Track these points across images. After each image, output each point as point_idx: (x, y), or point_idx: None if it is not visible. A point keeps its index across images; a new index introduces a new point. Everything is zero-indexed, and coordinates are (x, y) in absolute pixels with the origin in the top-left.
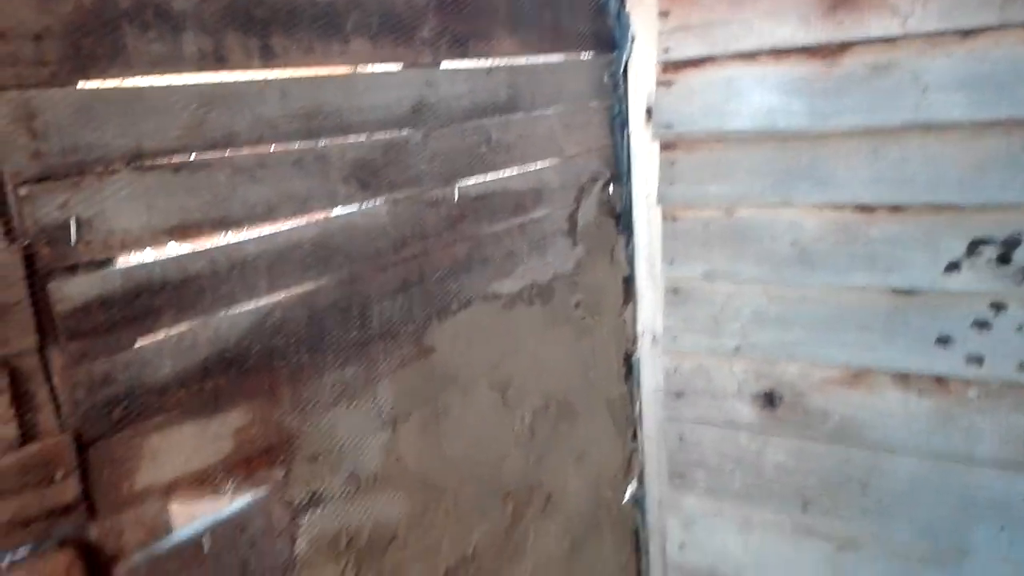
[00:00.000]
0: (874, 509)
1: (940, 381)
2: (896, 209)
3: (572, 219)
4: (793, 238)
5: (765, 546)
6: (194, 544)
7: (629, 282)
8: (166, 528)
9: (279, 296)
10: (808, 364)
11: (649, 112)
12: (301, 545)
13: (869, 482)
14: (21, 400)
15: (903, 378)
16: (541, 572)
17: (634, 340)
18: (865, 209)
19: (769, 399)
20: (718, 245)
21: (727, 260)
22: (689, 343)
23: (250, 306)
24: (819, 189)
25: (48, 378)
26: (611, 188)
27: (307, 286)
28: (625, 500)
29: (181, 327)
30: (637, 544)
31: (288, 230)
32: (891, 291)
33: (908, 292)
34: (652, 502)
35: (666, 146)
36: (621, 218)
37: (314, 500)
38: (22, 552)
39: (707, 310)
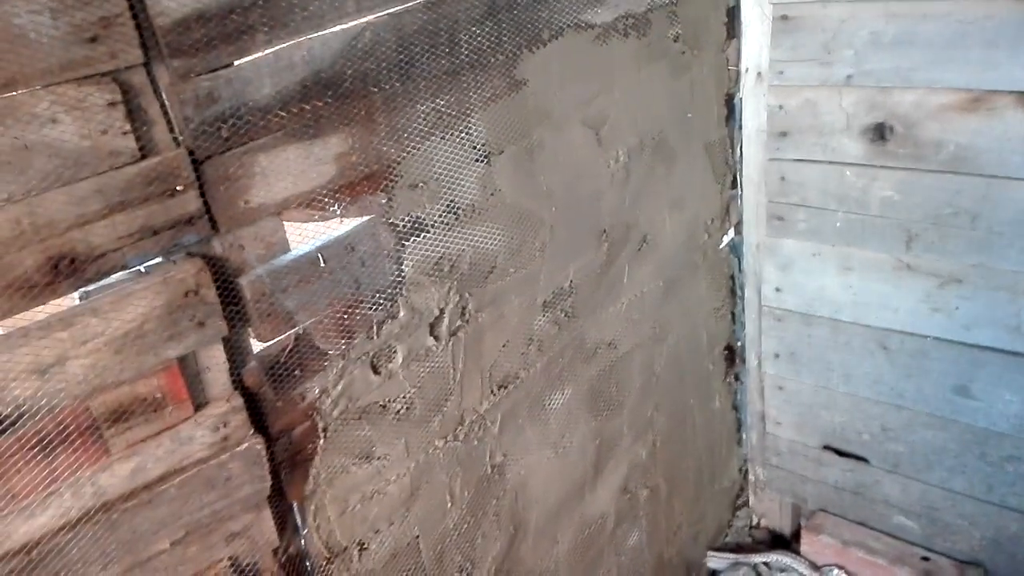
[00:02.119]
0: (982, 241)
1: None
2: None
3: None
4: None
5: (864, 285)
6: (310, 261)
7: (733, 14)
8: (283, 246)
9: (367, 17)
10: (925, 90)
11: None
12: (407, 267)
13: (980, 213)
14: (135, 115)
15: None
16: (635, 309)
17: (736, 79)
18: None
19: (879, 132)
20: None
21: None
22: (797, 76)
23: (340, 27)
24: None
25: (157, 94)
26: None
27: (393, 7)
28: (722, 246)
29: (275, 46)
30: (732, 288)
31: None
32: None
33: None
34: (749, 247)
35: None
36: None
37: (416, 226)
38: (155, 260)
39: (819, 37)
